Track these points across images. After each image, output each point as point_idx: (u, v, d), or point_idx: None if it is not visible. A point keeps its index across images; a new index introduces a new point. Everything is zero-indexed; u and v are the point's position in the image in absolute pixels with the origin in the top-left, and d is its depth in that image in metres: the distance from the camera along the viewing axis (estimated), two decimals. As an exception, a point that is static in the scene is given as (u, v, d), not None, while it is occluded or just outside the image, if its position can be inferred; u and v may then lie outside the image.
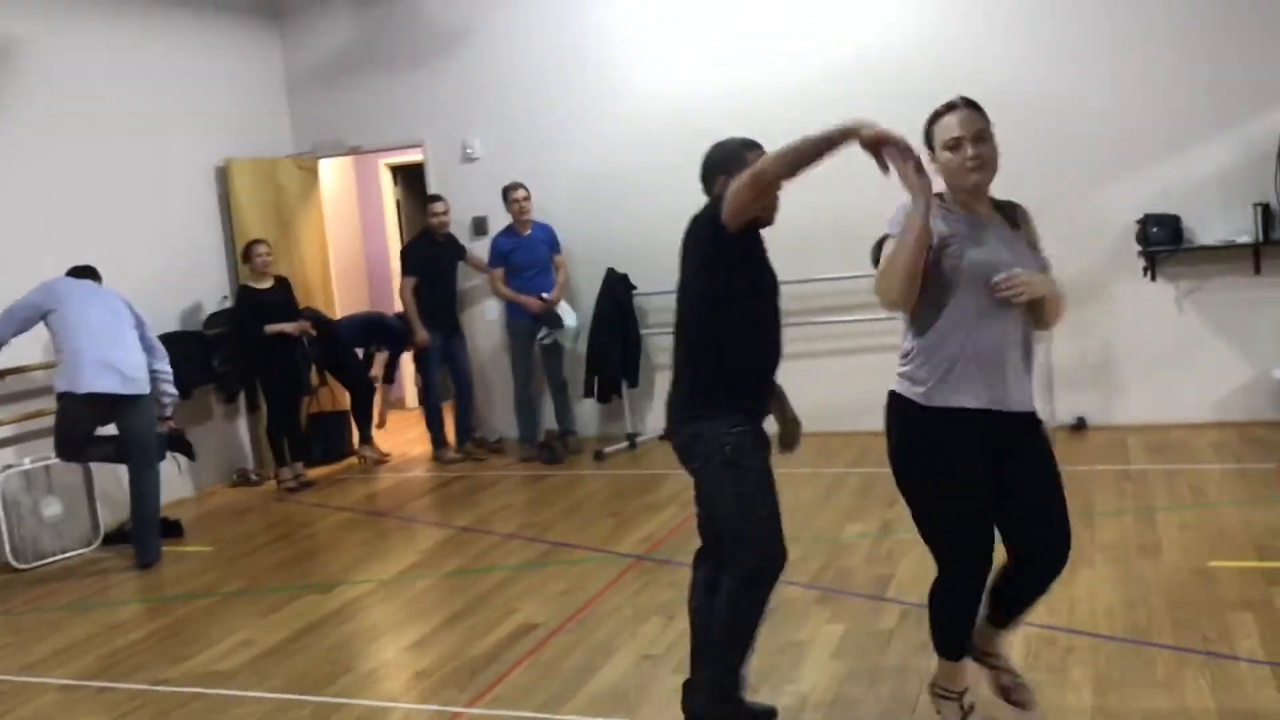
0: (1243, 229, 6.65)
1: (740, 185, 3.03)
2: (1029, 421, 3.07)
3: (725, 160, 3.26)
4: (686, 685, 3.42)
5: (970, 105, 2.98)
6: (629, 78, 7.88)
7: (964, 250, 2.92)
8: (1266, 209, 6.55)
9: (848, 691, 3.64)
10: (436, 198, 8.04)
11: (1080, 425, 7.05)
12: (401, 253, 8.46)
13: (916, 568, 4.75)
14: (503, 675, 4.04)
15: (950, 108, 2.97)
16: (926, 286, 2.89)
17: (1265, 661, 3.57)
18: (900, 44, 7.22)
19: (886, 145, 2.80)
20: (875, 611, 4.33)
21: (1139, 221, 6.77)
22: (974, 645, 3.26)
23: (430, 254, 7.91)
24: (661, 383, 8.03)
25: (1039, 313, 3.01)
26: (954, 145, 2.92)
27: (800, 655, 3.97)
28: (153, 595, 5.45)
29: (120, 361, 5.88)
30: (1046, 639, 3.91)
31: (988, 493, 2.99)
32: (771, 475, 3.25)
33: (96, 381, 5.81)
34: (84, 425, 5.90)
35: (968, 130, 2.91)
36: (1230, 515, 5.10)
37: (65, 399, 5.85)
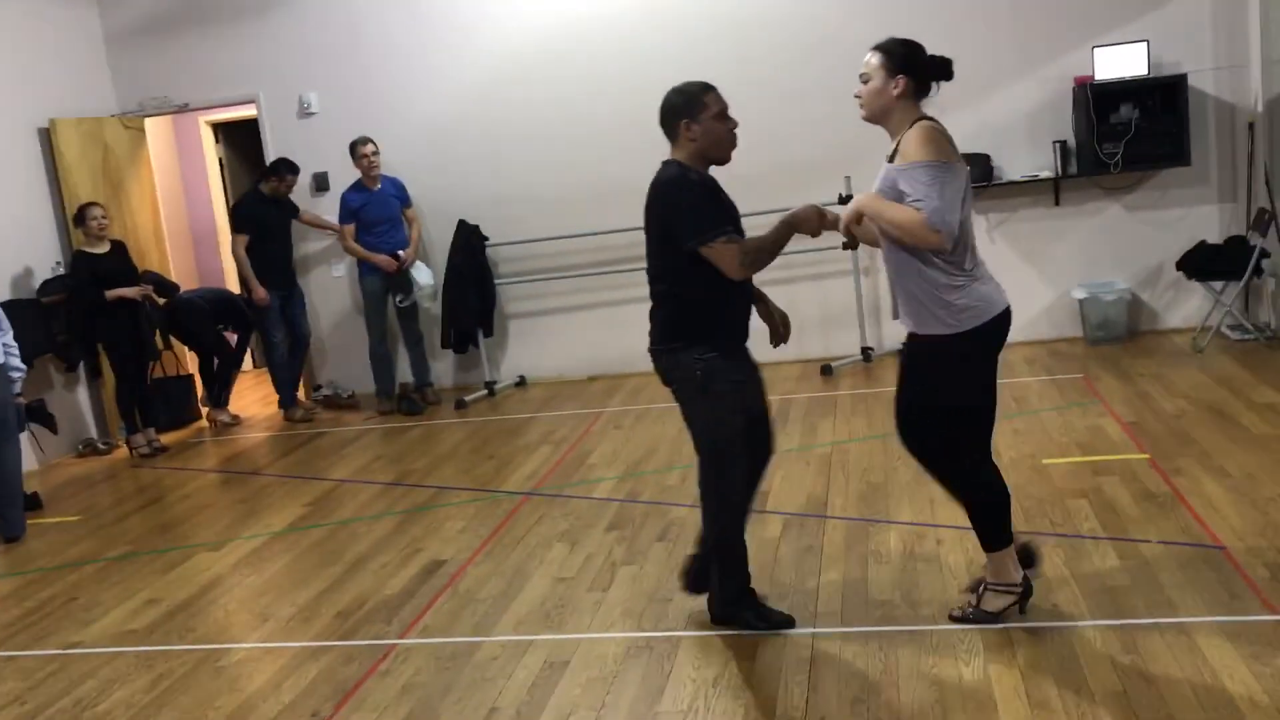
0: (1045, 165, 7.36)
1: (722, 257, 3.45)
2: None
3: (686, 105, 3.50)
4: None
5: (876, 48, 3.47)
6: (471, 24, 7.95)
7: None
8: (1064, 145, 7.26)
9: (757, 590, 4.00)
10: (293, 168, 7.82)
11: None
12: (230, 210, 8.31)
13: (787, 483, 5.18)
14: (425, 608, 4.24)
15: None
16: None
17: (1104, 537, 4.15)
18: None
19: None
20: (760, 522, 4.72)
21: (954, 161, 7.38)
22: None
23: (261, 211, 7.81)
24: (516, 330, 8.28)
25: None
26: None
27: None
28: (31, 567, 5.34)
29: None
30: (917, 534, 4.40)
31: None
32: (745, 396, 3.62)
33: None
34: None
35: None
36: (1052, 420, 5.75)
37: None
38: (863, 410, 6.38)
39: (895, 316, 3.57)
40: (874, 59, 3.43)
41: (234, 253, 7.84)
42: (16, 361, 5.97)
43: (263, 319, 7.86)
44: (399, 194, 7.83)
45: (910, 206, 3.27)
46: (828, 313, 7.76)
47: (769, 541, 4.49)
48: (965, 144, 7.23)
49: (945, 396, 3.46)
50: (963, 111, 7.38)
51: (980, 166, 7.30)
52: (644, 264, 3.69)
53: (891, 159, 3.42)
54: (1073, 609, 3.59)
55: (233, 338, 8.15)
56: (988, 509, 3.54)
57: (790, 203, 7.35)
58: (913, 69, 3.40)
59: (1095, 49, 7.06)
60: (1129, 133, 7.03)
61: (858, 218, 3.43)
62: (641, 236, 3.67)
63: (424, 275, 7.75)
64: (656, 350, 3.64)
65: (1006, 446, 5.37)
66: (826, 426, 6.12)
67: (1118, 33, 7.14)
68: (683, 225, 3.45)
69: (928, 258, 3.33)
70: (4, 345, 5.91)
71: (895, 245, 3.43)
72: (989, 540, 3.57)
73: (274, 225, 7.83)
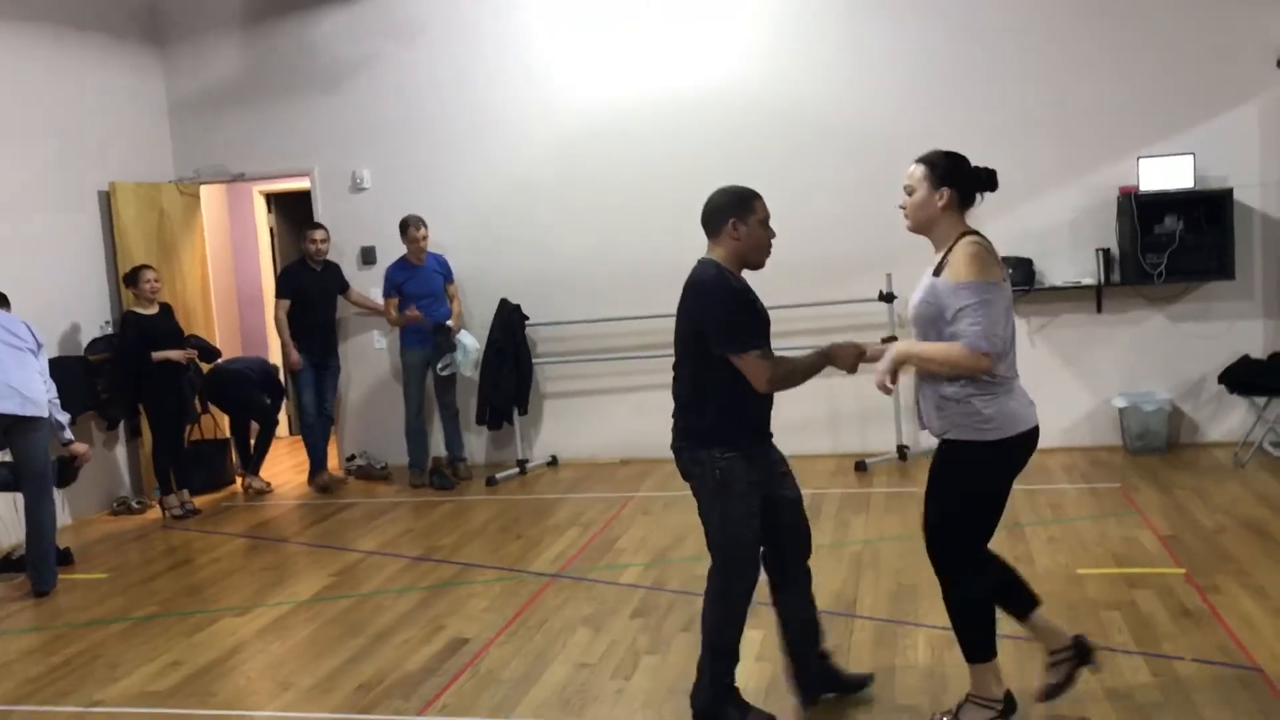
0: (1086, 271, 7.36)
1: (752, 370, 3.46)
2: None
3: (735, 205, 3.52)
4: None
5: (920, 161, 3.53)
6: (523, 107, 8.13)
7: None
8: (1107, 253, 7.27)
9: (775, 688, 3.95)
10: (317, 225, 8.08)
11: (943, 450, 7.61)
12: (277, 277, 8.48)
13: (816, 578, 5.11)
14: (445, 686, 4.21)
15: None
16: None
17: (1137, 651, 4.07)
18: (756, 77, 7.72)
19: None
20: (788, 619, 4.66)
21: (997, 263, 7.40)
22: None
23: (305, 280, 7.96)
24: (551, 410, 8.31)
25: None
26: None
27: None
28: (59, 622, 5.37)
29: (20, 384, 5.78)
30: (948, 639, 4.31)
31: None
32: (758, 499, 3.59)
33: (4, 405, 5.71)
34: None
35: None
36: (1088, 529, 5.67)
37: None
38: (897, 508, 6.32)
39: (923, 426, 3.55)
40: (918, 170, 3.46)
41: (275, 318, 7.99)
42: (59, 414, 6.04)
43: (295, 382, 7.96)
44: (442, 269, 7.95)
45: (949, 339, 3.29)
46: (865, 408, 7.74)
47: (795, 638, 4.42)
48: (1008, 247, 7.37)
49: (961, 503, 3.44)
50: (1007, 215, 7.45)
51: (1023, 271, 7.32)
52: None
53: (937, 272, 3.42)
54: (1104, 725, 3.52)
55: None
56: (972, 619, 3.51)
57: (830, 296, 7.47)
58: (957, 180, 3.42)
59: (1141, 159, 7.10)
60: (1173, 244, 7.03)
61: (897, 366, 3.44)
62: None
63: (471, 340, 7.82)
64: (678, 447, 3.63)
65: (1040, 553, 5.30)
66: (859, 523, 6.07)
67: (1164, 144, 7.19)
68: (719, 331, 3.45)
69: None
70: (50, 400, 6.01)
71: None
72: (970, 651, 3.53)
73: (314, 293, 7.96)
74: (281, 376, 8.57)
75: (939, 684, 3.91)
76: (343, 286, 8.17)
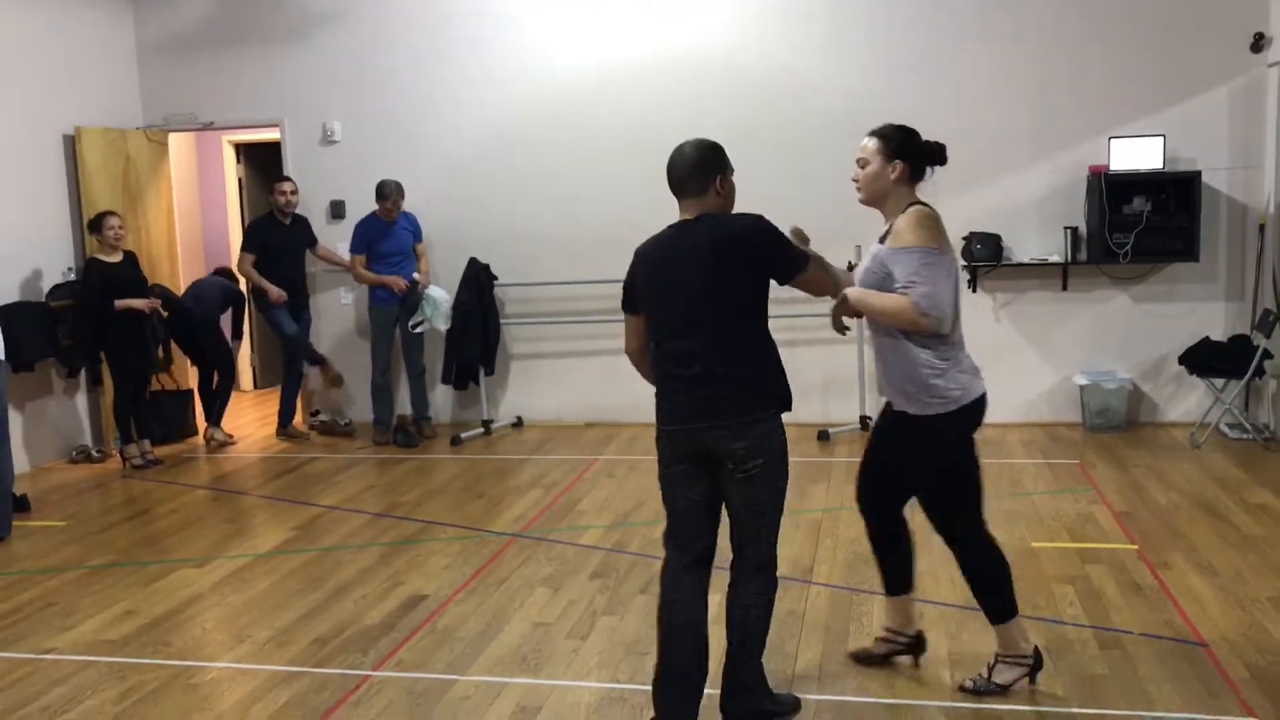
0: (1054, 249, 7.41)
1: (816, 280, 3.50)
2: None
3: (719, 160, 3.36)
4: (731, 694, 3.38)
5: (873, 134, 3.59)
6: (497, 67, 8.05)
7: None
8: (1075, 232, 7.32)
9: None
10: (285, 178, 7.99)
11: (906, 422, 7.67)
12: (245, 230, 8.39)
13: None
14: (402, 641, 4.22)
15: None
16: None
17: (1087, 625, 4.13)
18: (733, 44, 7.68)
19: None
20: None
21: (964, 238, 7.43)
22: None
23: (272, 234, 7.88)
24: (517, 371, 8.28)
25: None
26: None
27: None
28: (13, 568, 5.33)
29: None
30: (901, 607, 4.38)
31: None
32: None
33: None
34: None
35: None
36: (1045, 503, 5.74)
37: None
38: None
39: (882, 393, 3.64)
40: (871, 144, 3.53)
41: (240, 268, 7.93)
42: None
43: (273, 319, 7.88)
44: (412, 228, 7.89)
45: (898, 293, 3.33)
46: (829, 378, 7.78)
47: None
48: (977, 223, 7.40)
49: (917, 472, 3.58)
50: (977, 191, 7.48)
51: (990, 246, 7.36)
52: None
53: (883, 240, 3.48)
54: (1051, 694, 3.57)
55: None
56: (988, 579, 3.58)
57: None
58: (909, 154, 3.48)
59: (1112, 139, 7.14)
60: (1140, 224, 7.09)
61: (849, 310, 3.52)
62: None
63: (440, 293, 7.75)
64: (744, 422, 3.24)
65: (997, 526, 5.29)
66: (819, 492, 6.12)
67: (1136, 125, 7.23)
68: (789, 260, 3.35)
69: (915, 340, 3.39)
70: None
71: (883, 327, 3.48)
72: (992, 612, 3.59)
73: (282, 246, 7.87)
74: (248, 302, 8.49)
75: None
76: (311, 241, 8.09)
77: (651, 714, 3.33)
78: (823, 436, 7.38)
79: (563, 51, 7.94)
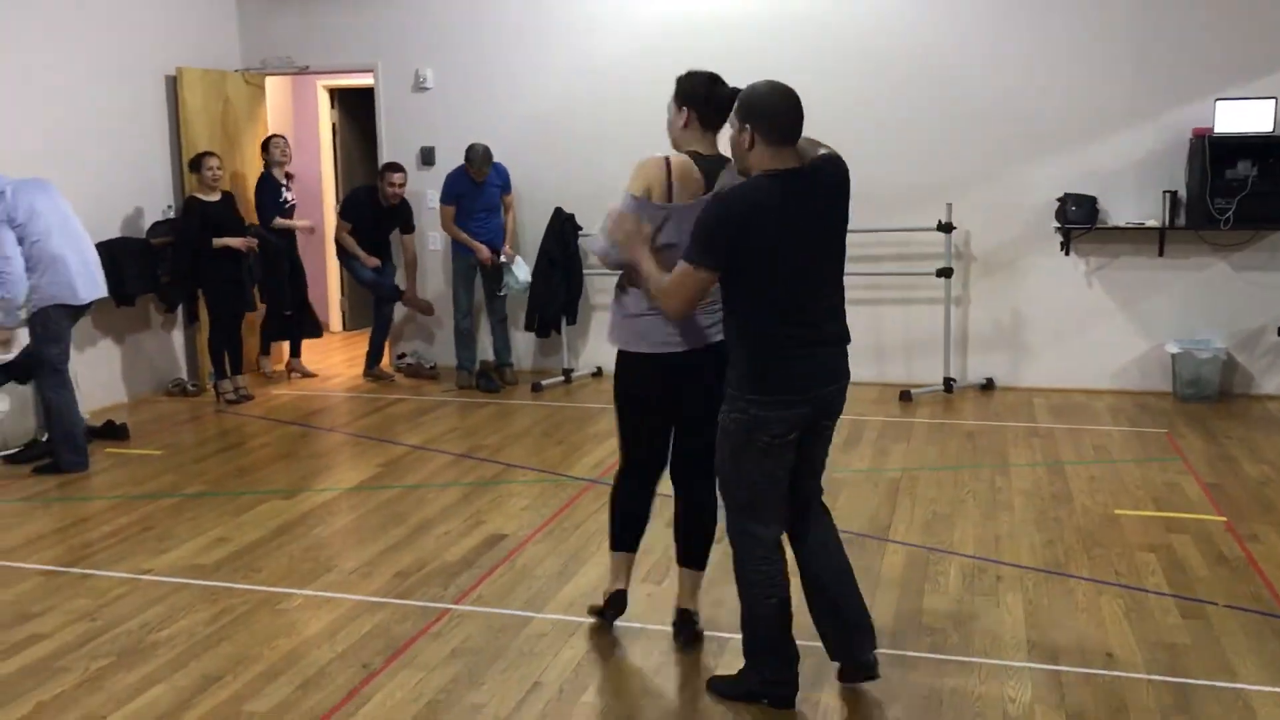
0: (1152, 213, 7.22)
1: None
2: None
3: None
4: (863, 644, 3.37)
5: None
6: (587, 22, 8.04)
7: None
8: (1174, 196, 7.11)
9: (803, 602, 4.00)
10: (397, 167, 8.06)
11: (989, 385, 7.57)
12: (344, 200, 8.55)
13: (851, 502, 5.17)
14: (482, 577, 4.32)
15: None
16: None
17: (1169, 594, 4.07)
18: (843, 8, 7.56)
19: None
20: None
21: (1059, 200, 7.28)
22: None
23: (370, 214, 8.07)
24: (599, 321, 8.32)
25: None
26: None
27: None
28: (114, 493, 5.55)
29: (94, 265, 5.93)
30: (978, 568, 4.36)
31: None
32: None
33: (87, 290, 5.85)
34: (68, 337, 5.92)
35: None
36: (1130, 471, 5.64)
37: (52, 311, 5.77)
38: (938, 440, 6.32)
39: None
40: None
41: (337, 237, 8.21)
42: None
43: (354, 265, 8.16)
44: (502, 181, 7.95)
45: None
46: (911, 338, 7.70)
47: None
48: (1072, 184, 7.24)
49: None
50: (1072, 151, 7.31)
51: (1085, 208, 7.19)
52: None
53: None
54: (1128, 660, 3.54)
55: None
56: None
57: (886, 223, 7.39)
58: (694, 101, 3.42)
59: (1218, 101, 6.90)
60: (1244, 190, 6.86)
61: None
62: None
63: (521, 273, 7.85)
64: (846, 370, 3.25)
65: (1079, 491, 5.29)
66: (898, 452, 6.08)
67: (1244, 88, 6.97)
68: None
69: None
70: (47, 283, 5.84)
71: None
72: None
73: (376, 225, 8.13)
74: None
75: (966, 610, 3.94)
76: (406, 226, 8.22)
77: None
78: (905, 397, 7.31)
79: (651, 7, 7.89)
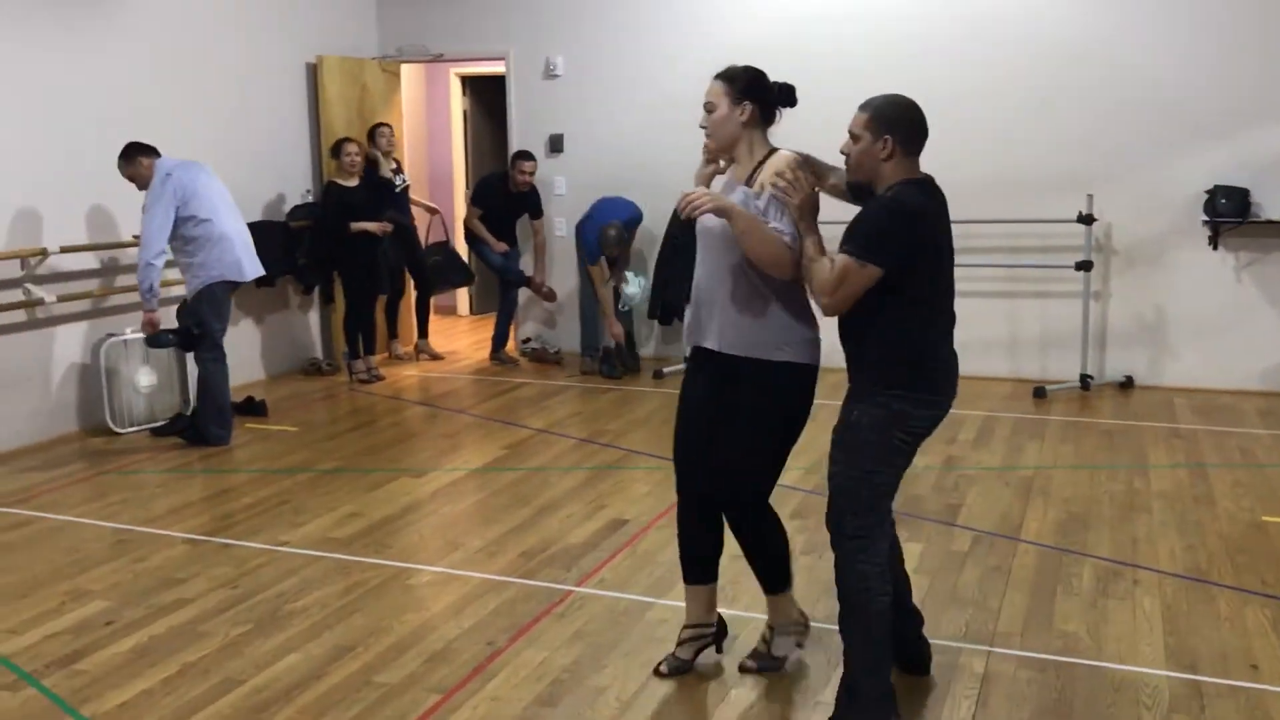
0: (1309, 207, 6.86)
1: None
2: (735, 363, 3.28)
3: None
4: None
5: (719, 77, 3.33)
6: (717, 13, 8.00)
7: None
8: (1334, 189, 6.75)
9: (932, 600, 3.93)
10: (528, 155, 8.17)
11: (1128, 383, 7.31)
12: (475, 186, 8.69)
13: (982, 500, 5.05)
14: (604, 561, 4.35)
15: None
16: None
17: (1321, 605, 3.87)
18: (989, 5, 7.38)
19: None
20: (948, 535, 4.62)
21: (1208, 192, 6.97)
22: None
23: (500, 201, 8.20)
24: (723, 310, 8.26)
25: (745, 249, 3.18)
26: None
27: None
28: (253, 467, 5.77)
29: (252, 243, 6.18)
30: (1113, 571, 4.22)
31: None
32: None
33: (251, 268, 6.14)
34: (228, 312, 6.21)
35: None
36: (1278, 477, 5.38)
37: (219, 287, 6.06)
38: (1073, 438, 6.13)
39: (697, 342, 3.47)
40: (716, 86, 3.31)
41: (468, 223, 8.35)
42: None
43: (484, 251, 8.30)
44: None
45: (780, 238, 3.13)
46: (1048, 333, 7.48)
47: (955, 555, 4.39)
48: (1223, 175, 6.94)
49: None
50: (1224, 141, 7.00)
51: (1236, 201, 6.88)
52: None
53: (749, 182, 3.26)
54: (1276, 674, 3.38)
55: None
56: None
57: (1024, 214, 7.19)
58: (758, 95, 3.26)
59: (1386, 88, 6.52)
60: None
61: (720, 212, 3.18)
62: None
63: (634, 286, 7.86)
64: None
65: (1223, 496, 5.07)
66: (1033, 449, 5.91)
67: None
68: None
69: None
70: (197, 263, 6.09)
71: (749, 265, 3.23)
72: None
73: (505, 212, 8.26)
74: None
75: (1099, 615, 3.82)
76: (535, 212, 8.33)
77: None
78: (1039, 393, 7.10)
79: (785, 2, 7.83)
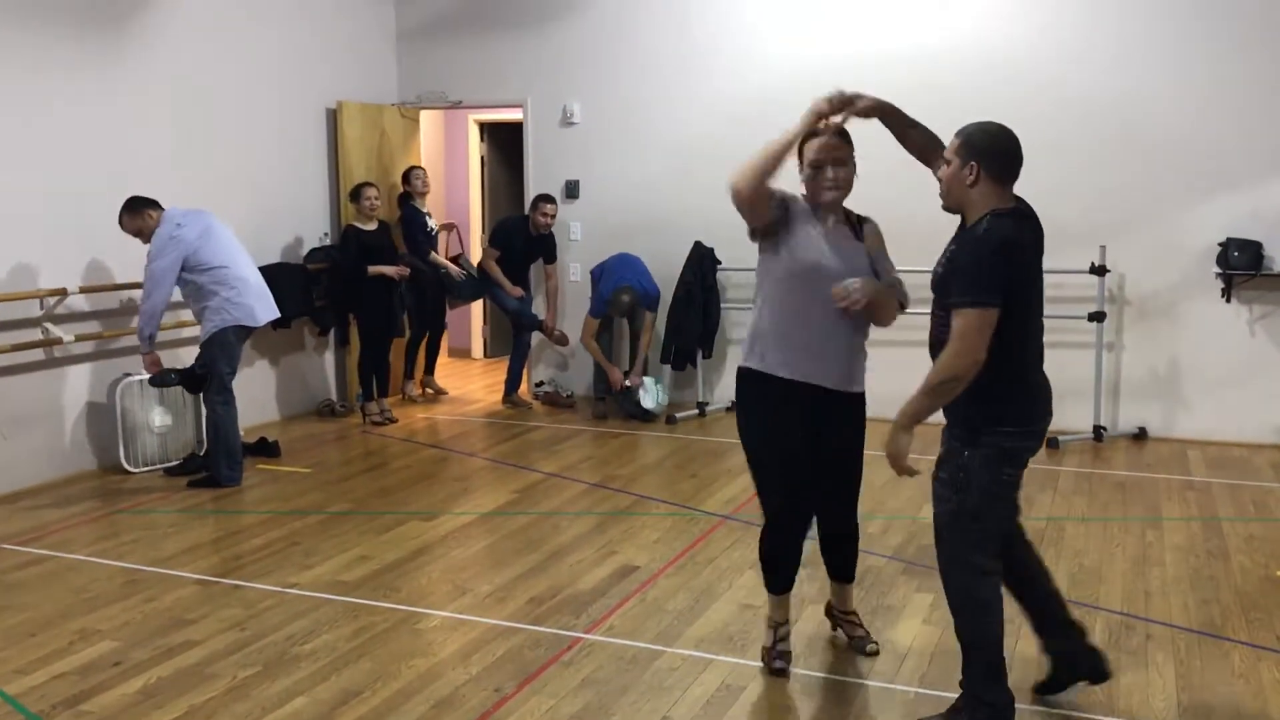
0: (1322, 260, 6.86)
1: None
2: (851, 399, 3.66)
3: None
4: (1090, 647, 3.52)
5: (838, 134, 3.58)
6: (729, 61, 8.10)
7: (795, 249, 3.56)
8: (1348, 243, 6.75)
9: (943, 654, 3.90)
10: (549, 199, 8.27)
11: (1141, 434, 7.28)
12: (494, 228, 8.77)
13: (996, 550, 5.02)
14: (614, 608, 4.34)
15: (817, 133, 3.59)
16: (768, 277, 3.62)
17: (1335, 663, 3.83)
18: (977, 36, 7.44)
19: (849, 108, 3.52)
20: (959, 586, 4.59)
21: (1221, 244, 6.98)
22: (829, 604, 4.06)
23: (519, 243, 8.30)
24: (734, 356, 8.30)
25: (874, 313, 3.55)
26: (816, 165, 3.58)
27: (894, 618, 4.25)
28: (264, 508, 5.78)
29: (265, 288, 6.26)
30: (1125, 625, 4.19)
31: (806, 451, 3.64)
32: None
33: (265, 312, 6.21)
34: (239, 356, 6.28)
35: (827, 156, 3.55)
36: (1293, 531, 5.34)
37: (231, 332, 6.11)
38: (1085, 490, 6.10)
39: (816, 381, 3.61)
40: (843, 145, 3.54)
41: (484, 264, 8.42)
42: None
43: (499, 295, 8.40)
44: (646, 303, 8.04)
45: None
46: (1060, 384, 7.37)
47: (965, 605, 4.36)
48: (1236, 228, 6.94)
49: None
50: (1236, 193, 7.02)
51: (1249, 253, 6.88)
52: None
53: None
54: (1290, 733, 3.35)
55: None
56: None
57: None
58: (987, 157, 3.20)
59: (1399, 143, 6.54)
60: None
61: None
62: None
63: (650, 399, 7.94)
64: None
65: (1236, 550, 5.04)
66: (1044, 501, 5.89)
67: None
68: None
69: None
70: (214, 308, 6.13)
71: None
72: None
73: (523, 254, 8.37)
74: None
75: (1113, 668, 3.78)
76: (550, 257, 8.42)
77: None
78: (1052, 444, 7.07)
79: (795, 47, 7.88)
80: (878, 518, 5.48)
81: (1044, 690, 3.56)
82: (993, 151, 3.13)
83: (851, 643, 3.96)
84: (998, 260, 3.05)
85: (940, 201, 3.30)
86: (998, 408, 3.13)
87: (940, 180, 3.23)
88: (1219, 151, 7.02)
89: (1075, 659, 3.49)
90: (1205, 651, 3.94)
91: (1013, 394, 3.16)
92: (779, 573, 3.79)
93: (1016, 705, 3.33)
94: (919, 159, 3.59)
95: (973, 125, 3.20)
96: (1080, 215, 7.27)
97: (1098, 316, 7.08)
